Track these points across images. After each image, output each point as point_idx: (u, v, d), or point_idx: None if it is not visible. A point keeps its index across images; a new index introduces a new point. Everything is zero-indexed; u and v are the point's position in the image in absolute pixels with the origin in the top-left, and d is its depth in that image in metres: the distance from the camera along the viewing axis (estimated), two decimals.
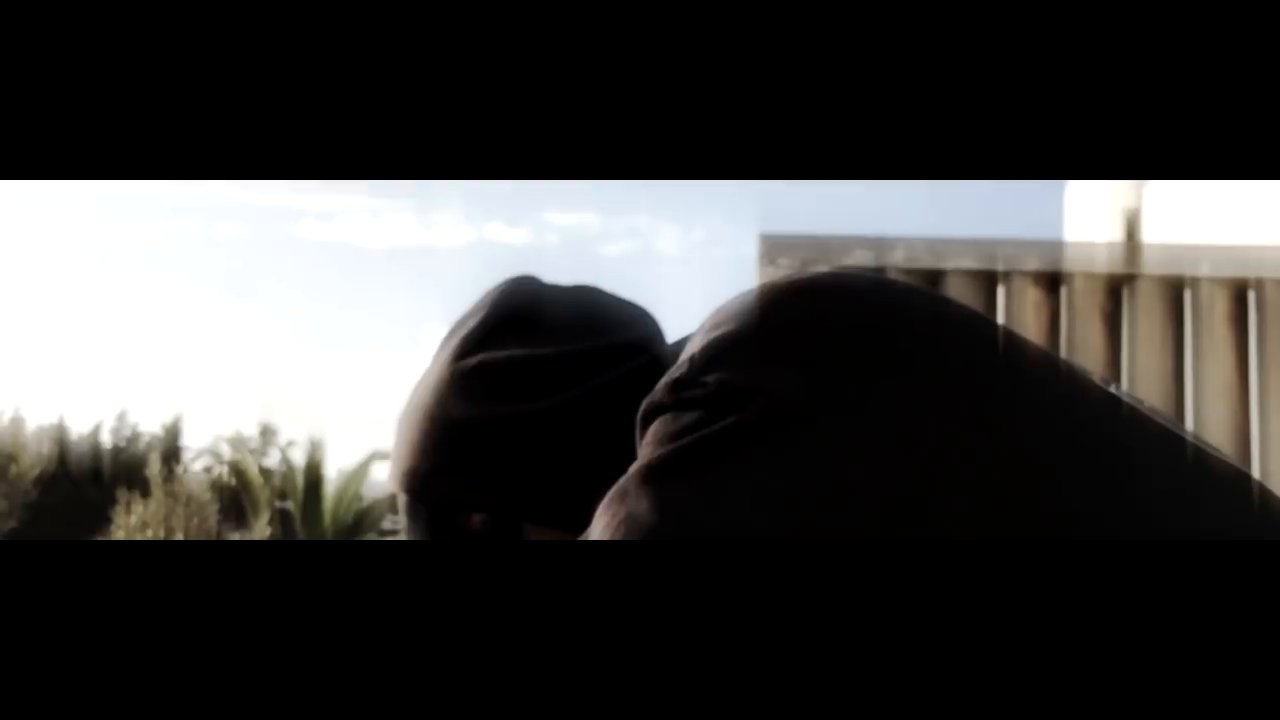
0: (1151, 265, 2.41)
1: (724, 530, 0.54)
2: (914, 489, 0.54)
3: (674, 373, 0.60)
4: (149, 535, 11.85)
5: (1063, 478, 0.56)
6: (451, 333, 0.80)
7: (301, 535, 13.77)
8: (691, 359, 0.59)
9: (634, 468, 0.58)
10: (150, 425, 15.25)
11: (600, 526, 0.58)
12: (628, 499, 0.57)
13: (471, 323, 0.79)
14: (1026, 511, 0.55)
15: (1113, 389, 0.66)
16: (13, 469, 12.35)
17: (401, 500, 0.78)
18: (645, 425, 0.60)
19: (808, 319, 0.59)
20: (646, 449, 0.59)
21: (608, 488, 0.60)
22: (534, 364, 0.75)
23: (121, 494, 12.27)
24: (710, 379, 0.57)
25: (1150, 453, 0.61)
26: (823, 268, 2.42)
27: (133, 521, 12.01)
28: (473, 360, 0.76)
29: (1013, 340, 0.64)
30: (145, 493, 12.54)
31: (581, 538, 0.60)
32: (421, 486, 0.76)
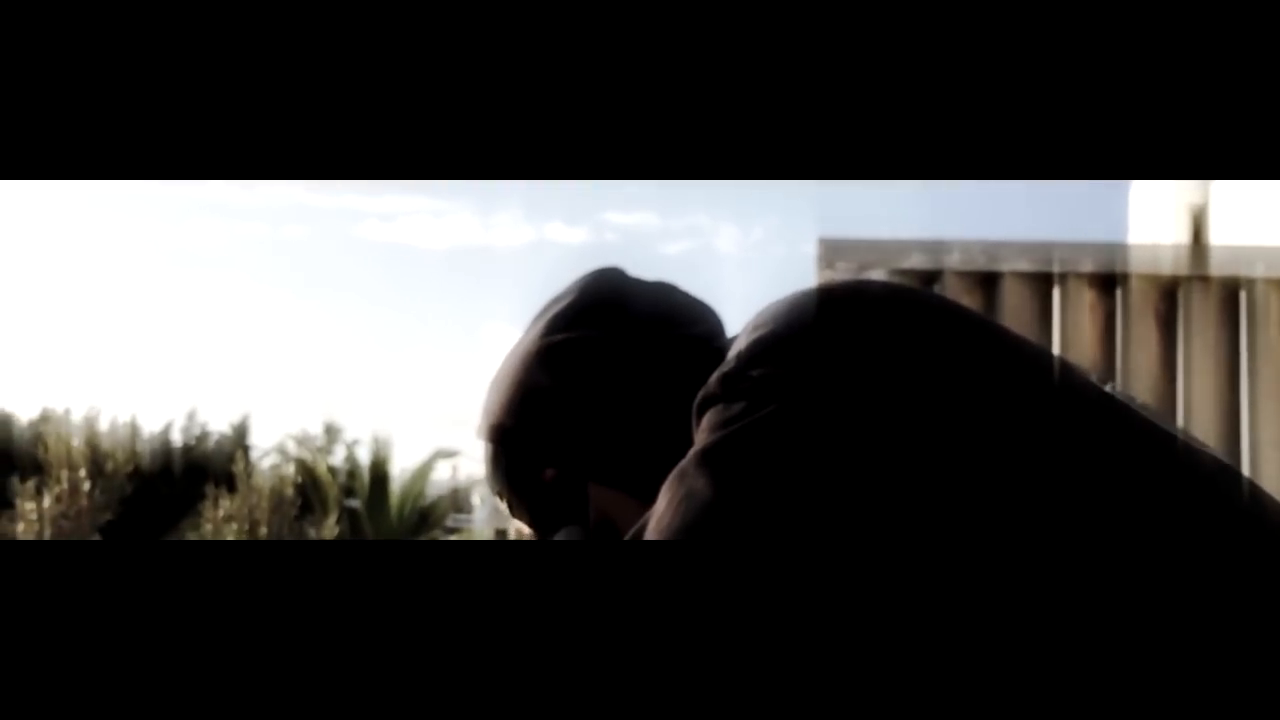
0: (1206, 266, 2.38)
1: (769, 504, 0.61)
2: (927, 488, 0.60)
3: (724, 367, 0.66)
4: (234, 528, 12.10)
5: (1094, 509, 0.61)
6: (543, 310, 0.89)
7: (368, 532, 13.92)
8: (739, 355, 0.66)
9: (691, 452, 0.65)
10: (218, 424, 15.43)
11: (663, 503, 0.65)
12: (686, 478, 0.64)
13: (562, 303, 0.87)
14: (1048, 532, 0.60)
15: (1169, 427, 0.68)
16: (109, 464, 12.63)
17: (487, 450, 0.88)
18: (700, 413, 0.66)
19: (841, 322, 0.65)
20: (702, 435, 0.65)
21: (664, 460, 0.68)
22: (612, 347, 0.84)
23: (209, 489, 12.50)
24: (755, 373, 0.64)
25: (1194, 487, 0.65)
26: (877, 272, 2.42)
27: (220, 515, 12.24)
28: (559, 337, 0.85)
29: (1063, 368, 0.68)
30: (219, 489, 12.76)
31: (648, 513, 0.67)
32: (504, 440, 0.86)
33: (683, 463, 0.65)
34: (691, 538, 0.62)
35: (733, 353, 0.67)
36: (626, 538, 0.70)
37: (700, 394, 0.67)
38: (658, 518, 0.65)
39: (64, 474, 12.21)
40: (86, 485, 12.30)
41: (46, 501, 12.01)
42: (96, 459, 12.64)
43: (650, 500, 0.74)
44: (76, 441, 12.78)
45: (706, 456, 0.63)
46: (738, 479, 0.62)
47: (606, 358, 0.84)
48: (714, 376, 0.66)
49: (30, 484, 12.09)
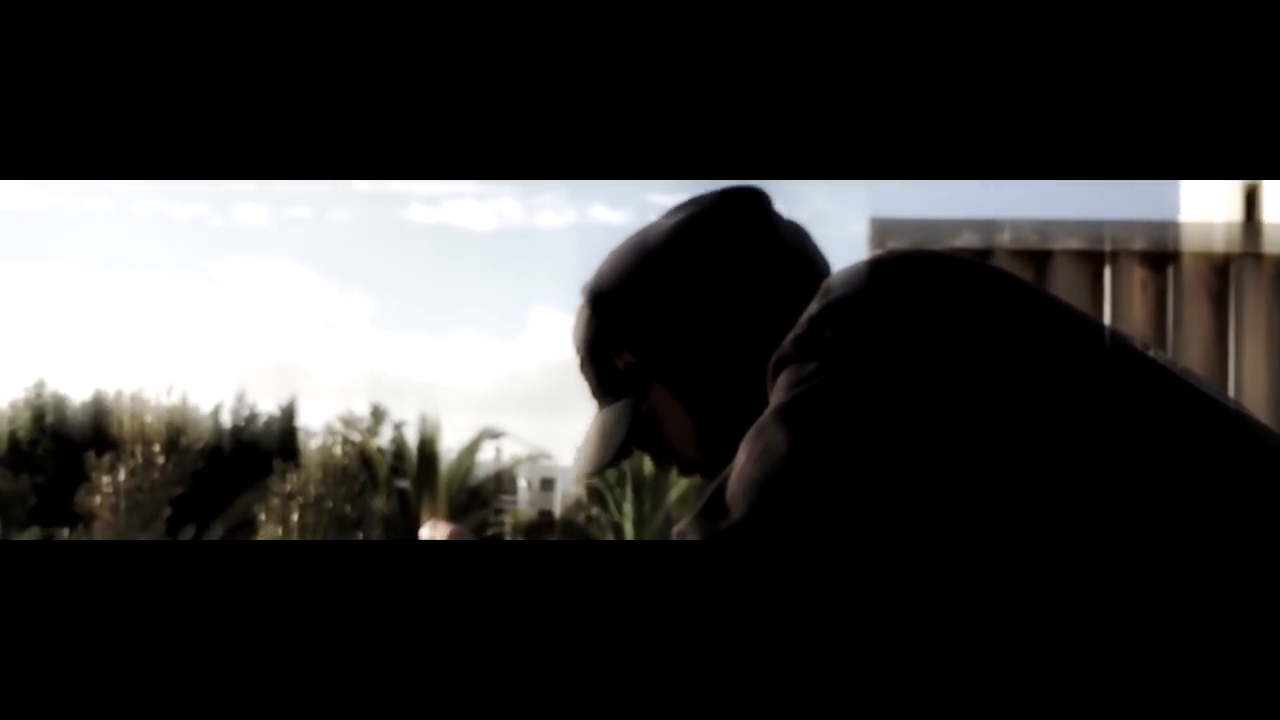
0: (1259, 243, 2.30)
1: (843, 457, 0.63)
2: (989, 443, 0.62)
3: (796, 330, 0.68)
4: (299, 502, 12.25)
5: (1153, 470, 0.62)
6: (683, 205, 0.87)
7: (418, 512, 14.00)
8: (810, 318, 0.68)
9: (769, 409, 0.67)
10: (266, 405, 15.48)
11: (743, 456, 0.67)
12: (765, 433, 0.66)
13: (706, 206, 0.85)
14: (1105, 487, 0.61)
15: (1222, 399, 0.69)
16: (182, 440, 12.77)
17: (581, 309, 0.87)
18: (775, 373, 0.69)
19: (906, 287, 0.67)
20: (778, 393, 0.67)
21: (735, 390, 0.77)
22: (733, 268, 0.83)
23: (276, 466, 12.63)
24: (827, 335, 0.66)
25: (1249, 450, 0.66)
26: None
27: (287, 490, 12.37)
28: (688, 237, 0.84)
29: (1114, 335, 0.70)
30: (287, 464, 12.88)
31: (728, 468, 0.68)
32: (598, 307, 0.86)
33: (761, 419, 0.67)
34: (771, 489, 0.64)
35: (805, 316, 0.69)
36: (707, 491, 0.70)
37: (775, 355, 0.69)
38: (738, 470, 0.67)
39: (138, 449, 12.36)
40: (161, 460, 12.43)
41: (121, 475, 12.17)
42: (170, 434, 12.77)
43: (702, 420, 0.82)
44: (149, 418, 12.91)
45: (783, 413, 0.66)
46: (813, 433, 0.64)
47: (723, 276, 0.82)
48: (788, 339, 0.68)
49: (106, 458, 12.25)
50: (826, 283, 0.70)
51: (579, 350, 0.88)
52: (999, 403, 0.62)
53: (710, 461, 0.84)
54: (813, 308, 0.68)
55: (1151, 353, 0.71)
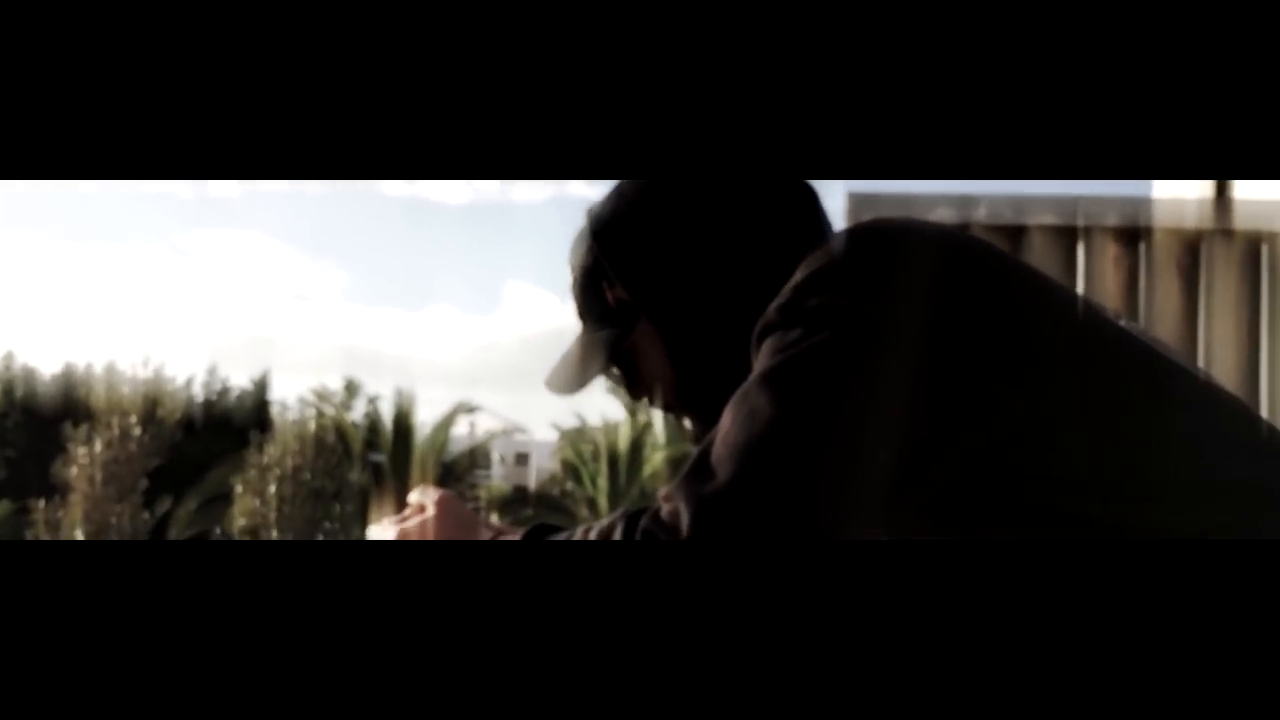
0: (1230, 220, 2.30)
1: (825, 421, 0.64)
2: (958, 405, 0.63)
3: (781, 298, 0.69)
4: (276, 474, 12.14)
5: (1098, 433, 0.63)
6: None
7: (393, 485, 13.91)
8: (795, 287, 0.69)
9: (753, 374, 0.68)
10: (239, 379, 15.33)
11: (727, 420, 0.67)
12: (749, 398, 0.66)
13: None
14: (1083, 452, 0.62)
15: (1196, 372, 0.70)
16: (159, 411, 12.59)
17: (583, 237, 0.85)
18: (760, 340, 0.69)
19: (888, 256, 0.68)
20: (762, 359, 0.68)
21: (717, 348, 0.75)
22: (740, 223, 0.80)
23: (254, 438, 12.50)
24: (811, 303, 0.67)
25: (1215, 429, 0.67)
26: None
27: (264, 461, 12.25)
28: (703, 185, 0.81)
29: (1087, 305, 0.70)
30: (264, 435, 12.75)
31: (714, 430, 0.68)
32: (600, 235, 0.83)
33: (745, 384, 0.68)
34: (756, 452, 0.64)
35: (789, 284, 0.69)
36: (693, 454, 0.70)
37: (759, 323, 0.69)
38: (723, 434, 0.67)
39: (115, 420, 12.18)
40: (137, 431, 12.26)
41: (98, 447, 12.01)
42: (146, 406, 12.59)
43: (681, 369, 0.80)
44: (125, 390, 12.73)
45: (768, 378, 0.66)
46: (797, 398, 0.65)
47: (730, 229, 0.80)
48: (772, 306, 0.69)
49: (82, 430, 12.09)
50: (811, 252, 0.70)
51: (573, 272, 0.85)
52: (978, 368, 0.63)
53: (683, 408, 0.83)
54: (797, 275, 0.69)
55: (1123, 322, 0.72)
